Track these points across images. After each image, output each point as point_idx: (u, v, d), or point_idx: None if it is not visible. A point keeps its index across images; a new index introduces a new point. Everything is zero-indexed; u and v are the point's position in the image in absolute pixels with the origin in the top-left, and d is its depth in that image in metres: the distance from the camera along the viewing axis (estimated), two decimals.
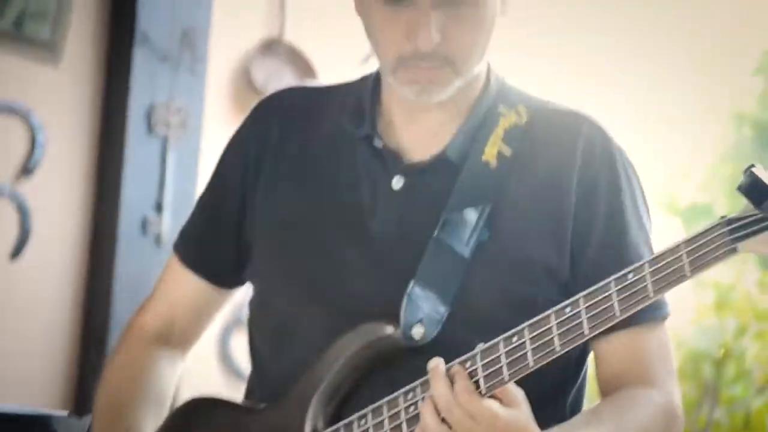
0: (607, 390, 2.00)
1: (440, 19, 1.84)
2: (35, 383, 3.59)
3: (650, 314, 1.88)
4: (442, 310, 1.92)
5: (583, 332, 1.78)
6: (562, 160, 1.98)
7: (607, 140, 2.02)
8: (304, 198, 2.07)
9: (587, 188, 1.97)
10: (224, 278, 2.20)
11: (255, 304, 2.15)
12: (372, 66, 2.06)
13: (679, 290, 1.74)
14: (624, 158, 2.02)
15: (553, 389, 1.94)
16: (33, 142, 3.44)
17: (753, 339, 5.04)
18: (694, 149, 6.22)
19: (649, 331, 1.97)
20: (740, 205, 1.71)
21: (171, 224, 3.75)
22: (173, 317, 2.23)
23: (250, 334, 2.16)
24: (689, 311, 5.19)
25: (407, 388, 1.86)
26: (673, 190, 5.94)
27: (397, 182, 1.98)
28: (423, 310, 1.90)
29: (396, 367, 1.93)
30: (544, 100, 2.08)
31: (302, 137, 2.11)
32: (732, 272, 5.14)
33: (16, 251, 3.39)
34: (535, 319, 1.80)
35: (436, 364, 1.80)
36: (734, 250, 1.67)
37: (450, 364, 1.82)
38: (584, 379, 2.08)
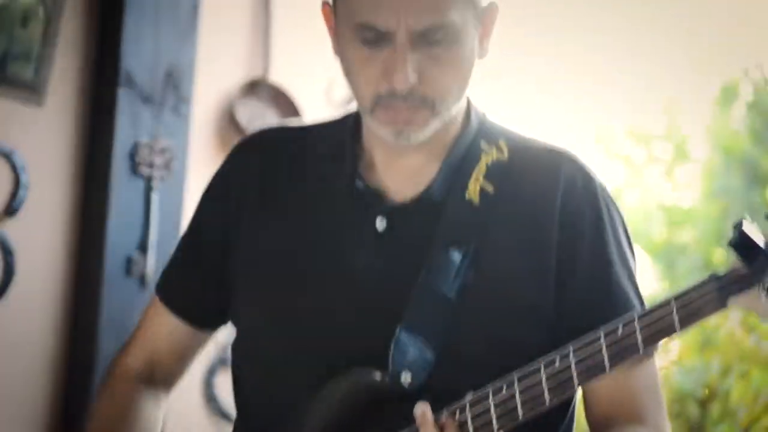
0: (597, 429, 2.00)
1: (417, 60, 1.84)
2: (18, 423, 3.56)
3: None
4: (430, 355, 1.92)
5: (572, 385, 1.79)
6: (544, 198, 1.99)
7: (589, 177, 2.03)
8: (287, 240, 2.07)
9: (570, 226, 1.97)
10: (206, 320, 2.20)
11: (239, 348, 2.14)
12: (354, 106, 2.07)
13: None
14: (606, 195, 2.03)
15: (541, 428, 1.94)
16: (17, 183, 3.43)
17: (737, 379, 5.03)
18: None
19: (639, 369, 1.97)
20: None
21: (156, 265, 3.74)
22: (155, 358, 2.23)
23: (234, 377, 2.15)
24: (673, 351, 5.19)
25: None
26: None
27: (380, 223, 1.98)
28: (410, 356, 1.90)
29: (385, 413, 1.92)
30: (524, 136, 2.09)
31: (284, 177, 2.11)
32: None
33: (0, 291, 3.37)
34: (524, 370, 1.81)
35: (423, 411, 1.80)
36: (724, 306, 1.69)
37: (440, 412, 1.82)
38: (572, 415, 2.08)
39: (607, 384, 1.95)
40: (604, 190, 2.05)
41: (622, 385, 1.98)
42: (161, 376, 2.25)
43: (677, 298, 1.72)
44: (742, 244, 1.68)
